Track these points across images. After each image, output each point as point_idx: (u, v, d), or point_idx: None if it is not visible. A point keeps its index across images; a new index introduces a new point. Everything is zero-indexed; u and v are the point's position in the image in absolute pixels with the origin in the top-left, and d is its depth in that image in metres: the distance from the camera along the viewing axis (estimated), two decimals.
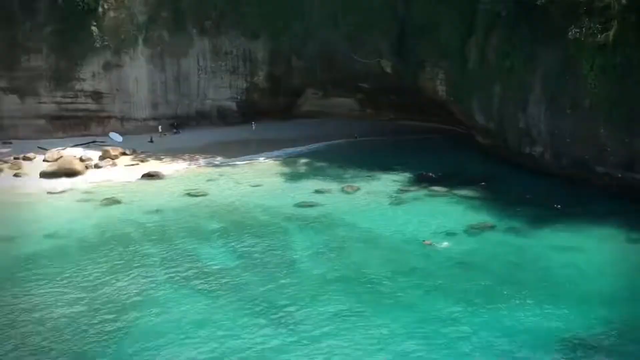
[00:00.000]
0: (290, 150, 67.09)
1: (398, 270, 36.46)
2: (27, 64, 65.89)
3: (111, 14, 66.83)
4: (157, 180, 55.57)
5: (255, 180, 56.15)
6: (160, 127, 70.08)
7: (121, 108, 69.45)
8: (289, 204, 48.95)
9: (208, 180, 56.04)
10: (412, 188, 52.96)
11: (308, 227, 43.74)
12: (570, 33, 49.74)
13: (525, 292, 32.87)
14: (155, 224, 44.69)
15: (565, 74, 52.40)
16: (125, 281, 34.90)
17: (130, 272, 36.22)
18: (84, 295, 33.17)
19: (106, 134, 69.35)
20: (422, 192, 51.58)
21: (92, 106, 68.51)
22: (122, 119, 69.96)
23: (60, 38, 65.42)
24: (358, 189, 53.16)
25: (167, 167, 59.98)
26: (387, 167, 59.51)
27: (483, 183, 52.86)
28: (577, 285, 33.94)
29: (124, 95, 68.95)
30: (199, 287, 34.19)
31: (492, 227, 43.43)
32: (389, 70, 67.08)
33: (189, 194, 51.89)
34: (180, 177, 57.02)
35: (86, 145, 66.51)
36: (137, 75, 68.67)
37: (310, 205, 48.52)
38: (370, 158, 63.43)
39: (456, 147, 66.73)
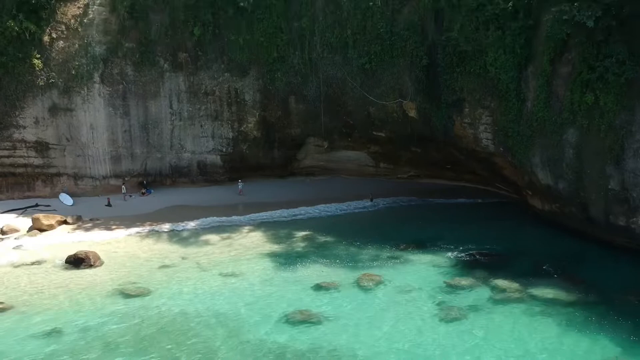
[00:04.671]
0: (284, 216, 45.21)
1: None
2: None
3: (60, 44, 45.72)
4: (86, 267, 33.00)
5: (231, 265, 33.65)
6: (124, 187, 48.22)
7: (74, 163, 47.45)
8: (274, 318, 26.25)
9: (161, 267, 33.49)
10: (463, 282, 30.23)
11: None
12: None
13: None
14: None
15: None
16: None
17: None
18: None
19: (56, 196, 47.53)
20: (482, 293, 28.80)
21: (36, 160, 46.63)
22: (76, 177, 47.75)
23: None
24: (380, 281, 30.64)
25: (111, 243, 37.71)
26: (417, 242, 37.35)
27: (583, 280, 30.16)
28: None
29: (77, 147, 46.89)
30: None
31: None
32: (413, 114, 45.10)
33: (123, 293, 29.43)
34: (123, 261, 34.42)
35: (23, 210, 44.69)
36: (93, 121, 46.73)
37: (308, 321, 25.88)
38: (392, 228, 41.13)
39: (502, 215, 44.02)
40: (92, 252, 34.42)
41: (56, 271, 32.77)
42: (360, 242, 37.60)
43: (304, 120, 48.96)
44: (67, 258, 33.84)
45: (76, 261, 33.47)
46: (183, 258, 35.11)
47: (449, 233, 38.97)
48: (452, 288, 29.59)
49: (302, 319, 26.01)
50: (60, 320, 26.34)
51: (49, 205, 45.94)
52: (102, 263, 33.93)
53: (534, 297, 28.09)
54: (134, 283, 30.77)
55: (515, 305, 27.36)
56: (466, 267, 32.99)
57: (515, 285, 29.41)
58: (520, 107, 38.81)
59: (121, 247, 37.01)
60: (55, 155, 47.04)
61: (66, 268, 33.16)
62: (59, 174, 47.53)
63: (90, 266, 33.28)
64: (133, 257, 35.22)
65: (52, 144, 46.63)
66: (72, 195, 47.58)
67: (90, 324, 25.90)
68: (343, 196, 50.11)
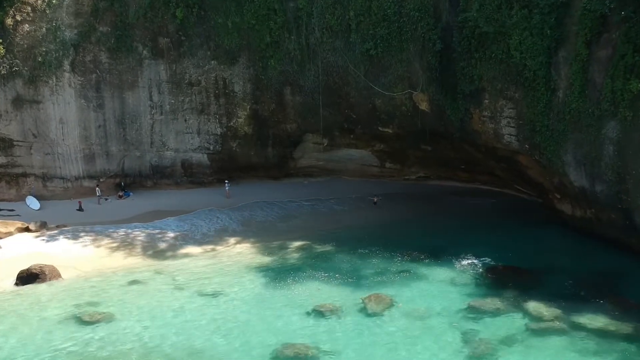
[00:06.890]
0: (278, 223, 40.67)
1: None
2: None
3: (25, 27, 41.20)
4: (40, 285, 28.35)
5: (213, 282, 29.02)
6: (98, 189, 43.65)
7: (42, 162, 43.00)
8: (259, 354, 21.49)
9: (130, 283, 28.91)
10: (489, 304, 25.51)
11: None
12: None
13: None
14: None
15: None
16: None
17: None
18: None
19: (23, 199, 42.98)
20: (513, 321, 24.13)
21: None
22: (44, 178, 43.36)
23: None
24: (390, 303, 25.99)
25: (75, 254, 33.07)
26: (430, 253, 32.78)
27: (635, 304, 25.35)
28: None
29: (45, 144, 42.43)
30: None
31: None
32: (424, 106, 40.42)
33: (78, 319, 24.84)
34: (87, 276, 29.81)
35: None
36: (63, 115, 42.24)
37: (302, 359, 21.25)
38: (401, 236, 36.55)
39: (525, 221, 39.62)
40: (49, 266, 29.74)
41: (3, 289, 28.11)
42: (364, 251, 33.11)
43: (300, 115, 44.18)
44: (18, 273, 29.15)
45: (29, 277, 28.80)
46: (157, 273, 30.46)
47: (464, 240, 34.63)
48: (477, 313, 24.92)
49: (295, 355, 21.31)
50: None
51: (12, 210, 41.31)
52: (61, 280, 29.30)
53: (577, 327, 23.42)
54: (95, 305, 26.14)
55: (556, 337, 22.71)
56: (490, 285, 28.31)
57: (553, 310, 24.74)
58: (550, 97, 33.95)
59: (87, 259, 32.29)
60: (21, 154, 42.48)
61: (17, 285, 28.49)
62: (25, 175, 43.01)
63: (46, 283, 28.62)
64: (99, 272, 30.56)
65: (17, 141, 42.06)
66: (40, 198, 43.06)
67: (31, 355, 21.24)
68: (344, 199, 45.87)
